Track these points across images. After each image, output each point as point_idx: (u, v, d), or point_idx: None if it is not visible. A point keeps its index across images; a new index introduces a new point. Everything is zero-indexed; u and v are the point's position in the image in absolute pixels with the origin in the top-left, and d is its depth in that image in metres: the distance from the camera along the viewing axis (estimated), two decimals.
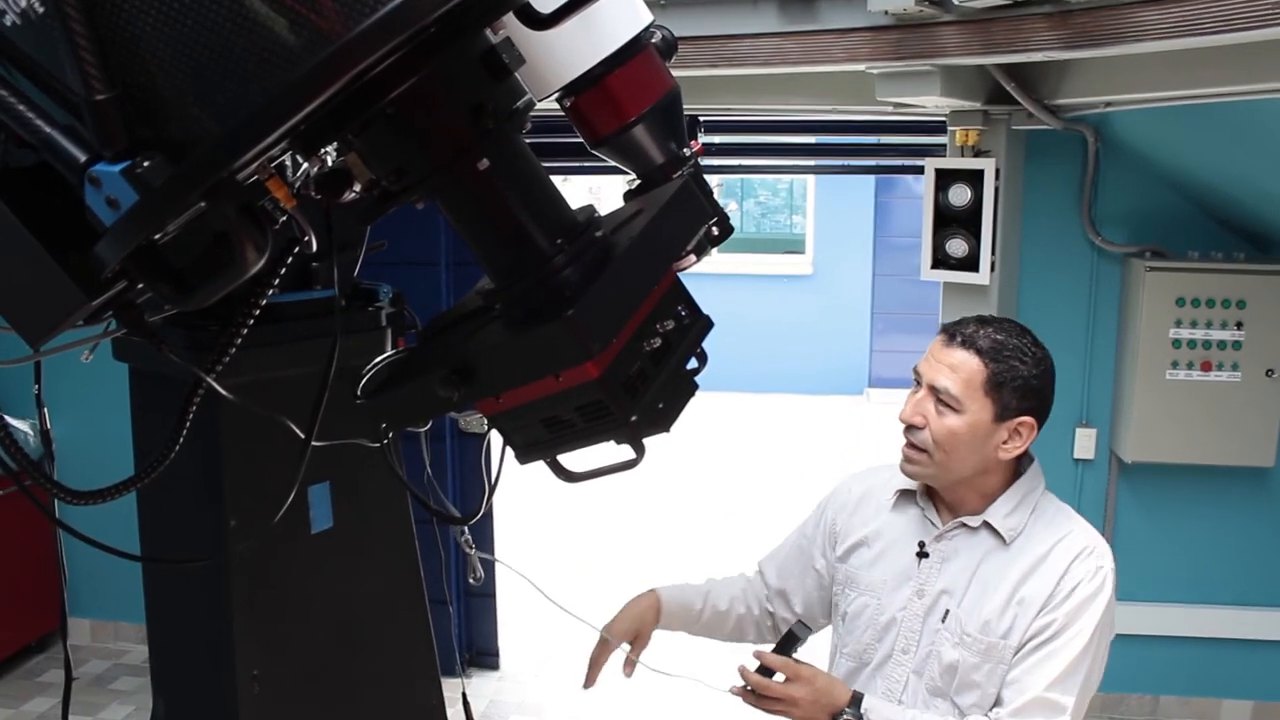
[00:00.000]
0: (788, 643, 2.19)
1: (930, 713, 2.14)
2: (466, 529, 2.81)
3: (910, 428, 2.13)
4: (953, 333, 2.14)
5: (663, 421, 1.23)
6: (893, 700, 2.19)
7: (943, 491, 2.22)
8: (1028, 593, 2.09)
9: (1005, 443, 2.13)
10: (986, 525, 2.17)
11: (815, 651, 2.31)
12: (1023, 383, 2.10)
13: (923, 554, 2.21)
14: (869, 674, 2.26)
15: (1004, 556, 2.14)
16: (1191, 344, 4.37)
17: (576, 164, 4.99)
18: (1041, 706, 2.04)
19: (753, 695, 2.16)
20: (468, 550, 2.79)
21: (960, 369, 2.09)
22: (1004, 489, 2.19)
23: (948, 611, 2.15)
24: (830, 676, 2.19)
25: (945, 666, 2.14)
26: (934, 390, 2.11)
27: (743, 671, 2.17)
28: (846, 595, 2.33)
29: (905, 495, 2.31)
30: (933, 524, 2.24)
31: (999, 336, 2.11)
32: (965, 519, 2.19)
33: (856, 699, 2.11)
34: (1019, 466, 2.22)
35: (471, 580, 3.09)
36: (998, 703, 2.11)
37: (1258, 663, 4.84)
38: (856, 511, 2.38)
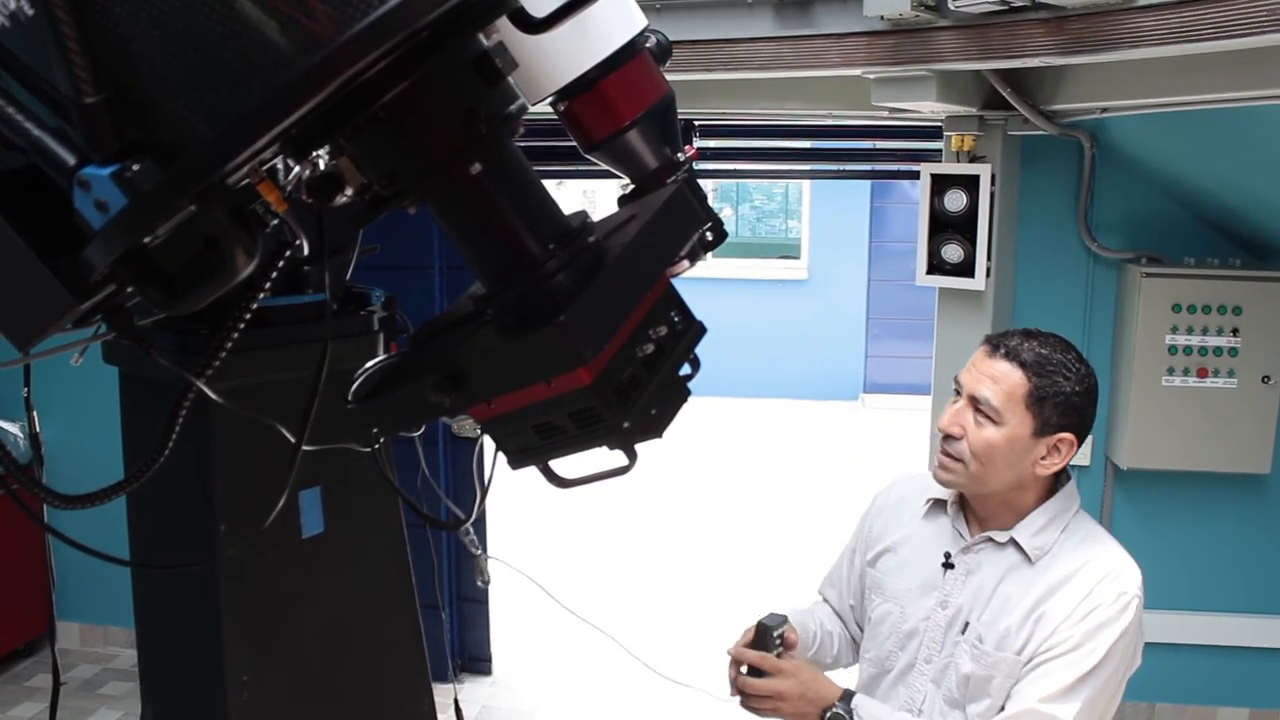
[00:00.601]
0: (762, 635, 2.18)
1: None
2: (472, 531, 2.80)
3: (948, 437, 2.11)
4: (996, 344, 2.12)
5: (655, 428, 1.22)
6: (913, 710, 2.17)
7: (975, 503, 2.20)
8: (1048, 609, 2.06)
9: (1043, 458, 2.10)
10: (1014, 542, 2.14)
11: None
12: (1064, 399, 2.08)
13: (948, 565, 2.20)
14: (890, 682, 2.24)
15: (1028, 574, 2.11)
16: (1188, 350, 4.37)
17: (571, 168, 4.98)
18: (1033, 717, 2.01)
19: (744, 696, 2.16)
20: (475, 551, 2.78)
21: (1002, 381, 2.07)
22: (1037, 505, 2.16)
23: (968, 624, 2.14)
24: (815, 670, 2.18)
25: (961, 678, 2.12)
26: (974, 400, 2.09)
27: (732, 676, 2.18)
28: (872, 600, 2.34)
29: (937, 504, 2.29)
30: (961, 535, 2.22)
31: (1043, 351, 2.10)
32: (993, 534, 2.17)
33: (847, 695, 2.11)
34: (1054, 484, 2.19)
35: (480, 582, 3.08)
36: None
37: (1254, 670, 4.84)
38: (893, 517, 2.38)
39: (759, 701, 2.15)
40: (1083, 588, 2.05)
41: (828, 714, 2.09)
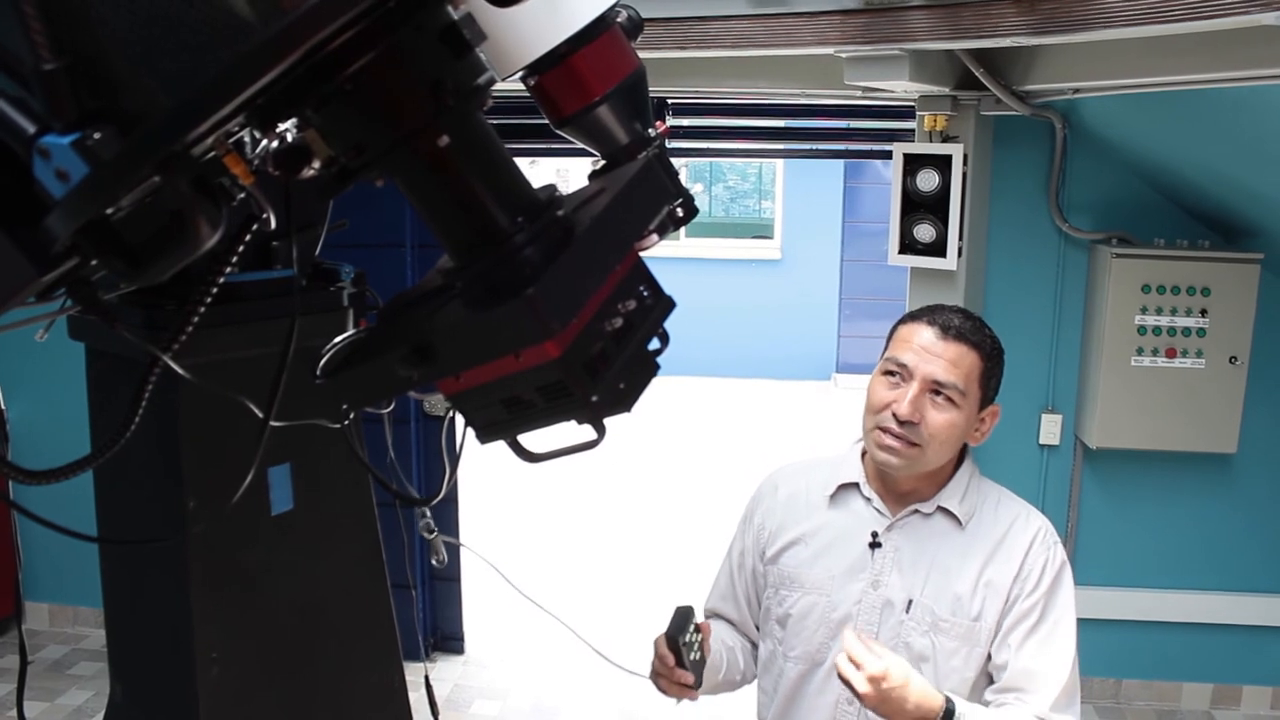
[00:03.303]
0: (684, 619, 2.11)
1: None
2: (429, 513, 2.79)
3: (906, 422, 2.09)
4: (945, 325, 2.13)
5: (624, 402, 1.21)
6: (855, 698, 2.16)
7: (905, 481, 2.20)
8: (993, 575, 2.12)
9: (976, 430, 2.18)
10: (941, 510, 2.19)
11: None
12: (1000, 374, 2.18)
13: (875, 544, 2.20)
14: (825, 673, 2.21)
15: (961, 540, 2.17)
16: (1156, 331, 4.41)
17: (543, 146, 4.98)
18: (1068, 694, 2.10)
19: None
20: (428, 534, 2.77)
21: (961, 363, 2.11)
22: (954, 473, 2.22)
23: (911, 601, 2.15)
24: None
25: (914, 657, 2.12)
26: (935, 384, 2.10)
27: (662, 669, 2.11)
28: (785, 597, 2.28)
29: (845, 489, 2.28)
30: (881, 514, 2.22)
31: (984, 330, 2.17)
32: (918, 506, 2.20)
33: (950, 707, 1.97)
34: (961, 451, 2.25)
35: (435, 563, 3.08)
36: (1008, 688, 2.12)
37: (1218, 646, 4.90)
38: (788, 512, 2.33)
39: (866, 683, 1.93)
40: (1019, 549, 2.15)
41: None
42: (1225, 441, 4.52)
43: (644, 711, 5.05)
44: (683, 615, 2.13)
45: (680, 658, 2.08)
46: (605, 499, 7.95)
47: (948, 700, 1.98)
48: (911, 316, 2.21)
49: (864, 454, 2.28)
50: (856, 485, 2.27)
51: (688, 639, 2.10)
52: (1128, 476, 4.78)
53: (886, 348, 2.21)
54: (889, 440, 2.12)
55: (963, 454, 2.24)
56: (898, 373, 2.14)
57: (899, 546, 2.19)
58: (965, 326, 2.14)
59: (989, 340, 2.16)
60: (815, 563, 2.25)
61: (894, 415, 2.10)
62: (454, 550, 5.44)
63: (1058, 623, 2.12)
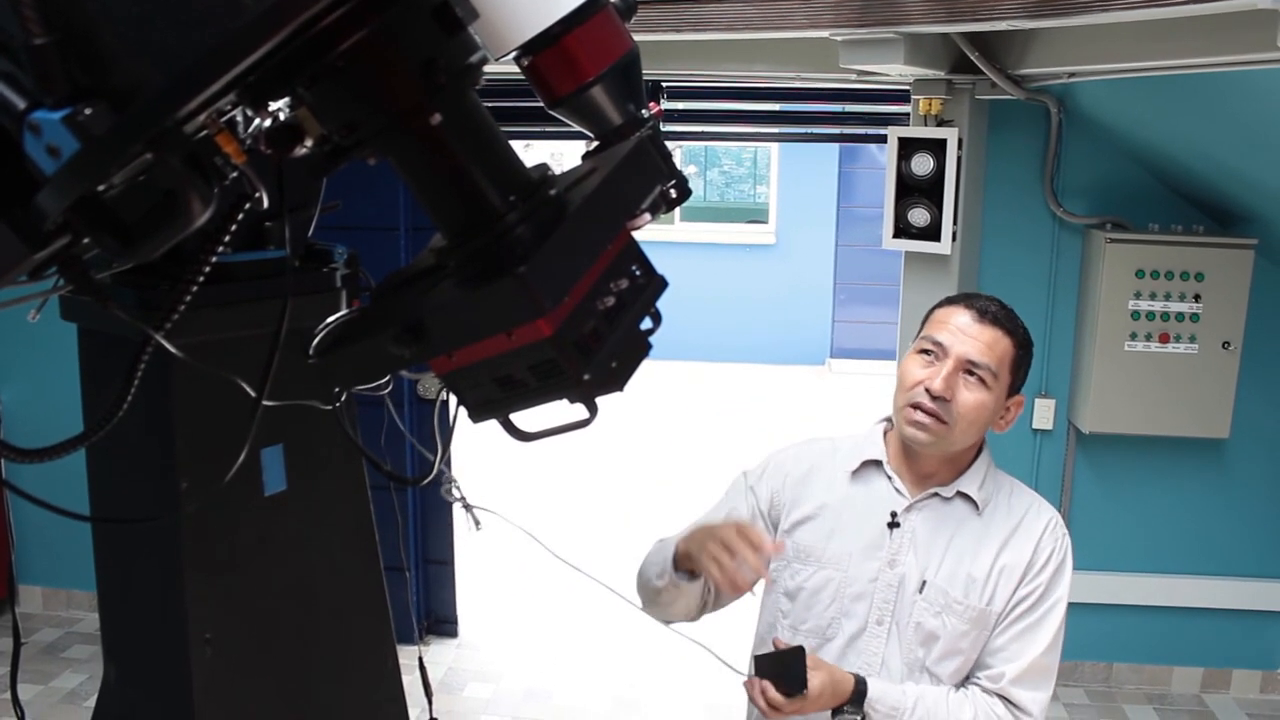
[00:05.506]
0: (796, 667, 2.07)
1: (930, 688, 2.15)
2: (454, 479, 2.76)
3: (937, 398, 2.13)
4: (982, 310, 2.18)
5: (616, 381, 1.21)
6: (872, 674, 2.17)
7: (927, 462, 2.23)
8: (1008, 560, 2.17)
9: (1001, 418, 2.22)
10: (961, 495, 2.22)
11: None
12: (1029, 365, 2.23)
13: (894, 524, 2.22)
14: (839, 649, 2.23)
15: (978, 526, 2.20)
16: (1150, 316, 4.42)
17: (537, 129, 4.98)
18: (1039, 672, 2.15)
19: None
20: (455, 498, 2.73)
21: (996, 346, 2.15)
22: (974, 460, 2.25)
23: (925, 582, 2.17)
24: (832, 665, 2.13)
25: (925, 636, 2.16)
26: (969, 364, 2.13)
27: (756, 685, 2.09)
28: (799, 571, 2.28)
29: (867, 466, 2.30)
30: (901, 494, 2.24)
31: (1019, 320, 2.22)
32: (938, 489, 2.22)
33: (860, 690, 2.08)
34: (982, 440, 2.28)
35: (476, 529, 3.02)
36: (977, 667, 2.18)
37: (1209, 630, 4.93)
38: (804, 486, 2.33)
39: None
40: (1032, 536, 2.20)
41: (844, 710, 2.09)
42: (1218, 427, 4.53)
43: (637, 695, 5.06)
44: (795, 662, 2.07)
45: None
46: (599, 484, 7.95)
47: (857, 680, 2.10)
48: (949, 300, 2.26)
49: (886, 434, 2.32)
50: (879, 463, 2.29)
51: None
52: (1120, 461, 4.80)
53: (921, 329, 2.25)
54: (919, 416, 2.15)
55: (982, 443, 2.28)
56: (933, 351, 2.17)
57: (917, 528, 2.21)
58: (1001, 313, 2.19)
59: (1021, 329, 2.20)
60: (832, 538, 2.26)
61: (926, 390, 2.14)
62: (447, 533, 5.45)
63: (1050, 610, 2.17)
